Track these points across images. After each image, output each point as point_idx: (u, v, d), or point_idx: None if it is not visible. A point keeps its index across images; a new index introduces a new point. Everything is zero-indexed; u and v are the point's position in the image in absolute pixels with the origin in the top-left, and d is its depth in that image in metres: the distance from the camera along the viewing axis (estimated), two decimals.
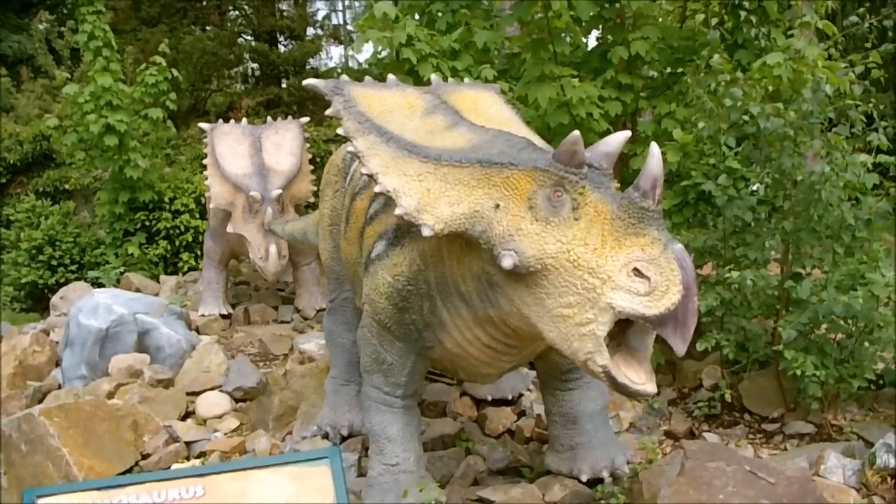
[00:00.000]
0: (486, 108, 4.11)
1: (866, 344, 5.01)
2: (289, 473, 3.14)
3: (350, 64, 20.86)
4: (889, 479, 4.37)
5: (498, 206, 3.27)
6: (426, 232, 3.37)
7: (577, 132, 3.15)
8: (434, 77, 4.31)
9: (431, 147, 3.51)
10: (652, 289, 2.93)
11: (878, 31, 6.08)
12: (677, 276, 2.92)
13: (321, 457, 3.23)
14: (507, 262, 3.17)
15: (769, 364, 5.51)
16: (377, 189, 3.52)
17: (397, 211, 3.44)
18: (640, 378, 3.10)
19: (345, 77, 3.91)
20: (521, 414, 5.53)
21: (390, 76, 4.11)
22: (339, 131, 3.69)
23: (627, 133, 3.38)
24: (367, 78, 4.04)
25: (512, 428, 5.34)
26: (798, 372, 4.76)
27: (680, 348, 2.95)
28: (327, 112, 3.75)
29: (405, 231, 3.79)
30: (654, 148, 3.08)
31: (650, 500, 3.94)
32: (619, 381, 3.08)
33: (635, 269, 2.96)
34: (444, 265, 3.67)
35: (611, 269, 3.00)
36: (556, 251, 3.10)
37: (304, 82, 3.89)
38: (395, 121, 3.70)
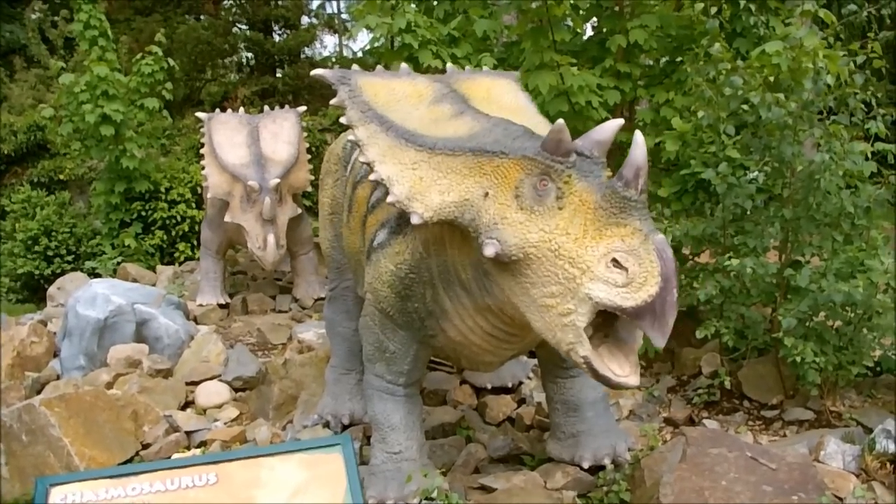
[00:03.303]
0: (500, 96, 4.10)
1: (865, 331, 5.03)
2: (300, 460, 3.16)
3: (344, 53, 20.79)
4: (888, 464, 4.40)
5: (487, 194, 3.28)
6: (415, 220, 3.40)
7: (561, 121, 3.13)
8: (450, 65, 4.30)
9: (427, 136, 3.52)
10: (629, 280, 2.90)
11: (876, 19, 6.08)
12: (656, 267, 2.89)
13: (333, 444, 3.24)
14: (489, 251, 3.17)
15: (768, 351, 5.53)
16: (372, 177, 3.56)
17: (389, 198, 3.47)
18: (623, 370, 3.08)
19: (355, 66, 3.90)
20: (522, 402, 5.55)
21: (403, 65, 4.10)
22: (342, 120, 3.69)
23: (620, 121, 3.33)
24: (379, 67, 4.03)
25: (512, 416, 5.35)
26: (797, 359, 4.78)
27: (659, 342, 2.91)
28: (332, 102, 3.74)
29: (407, 219, 3.78)
30: (639, 137, 3.05)
31: (652, 486, 3.96)
32: (600, 373, 3.06)
33: (614, 260, 2.94)
34: (445, 253, 3.68)
35: (590, 260, 2.97)
36: (538, 240, 3.09)
37: (313, 73, 3.89)
38: (400, 109, 3.69)
